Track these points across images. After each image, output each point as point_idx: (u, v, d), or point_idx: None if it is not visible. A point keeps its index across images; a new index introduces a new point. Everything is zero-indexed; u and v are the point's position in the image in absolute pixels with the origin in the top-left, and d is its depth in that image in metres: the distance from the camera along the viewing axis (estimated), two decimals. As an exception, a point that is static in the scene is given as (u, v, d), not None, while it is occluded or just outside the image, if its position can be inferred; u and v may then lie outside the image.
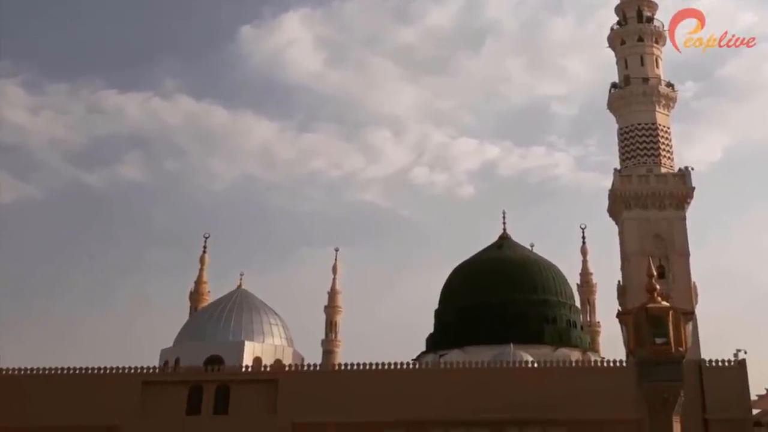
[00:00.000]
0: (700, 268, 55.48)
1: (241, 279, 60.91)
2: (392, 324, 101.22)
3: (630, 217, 55.60)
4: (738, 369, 44.76)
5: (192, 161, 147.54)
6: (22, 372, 46.99)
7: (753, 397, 45.64)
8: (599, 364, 48.97)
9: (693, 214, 56.85)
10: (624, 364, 43.98)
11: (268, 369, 48.78)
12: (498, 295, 58.10)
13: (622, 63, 61.88)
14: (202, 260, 69.36)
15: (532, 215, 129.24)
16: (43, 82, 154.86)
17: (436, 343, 60.15)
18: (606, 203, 59.30)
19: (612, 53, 63.28)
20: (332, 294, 77.44)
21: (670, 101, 60.15)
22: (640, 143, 58.32)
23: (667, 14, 62.34)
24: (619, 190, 56.24)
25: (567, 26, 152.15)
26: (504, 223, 66.91)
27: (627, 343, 13.55)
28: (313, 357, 65.06)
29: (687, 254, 53.96)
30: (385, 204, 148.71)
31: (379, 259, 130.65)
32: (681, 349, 13.16)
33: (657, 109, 59.34)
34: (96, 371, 46.55)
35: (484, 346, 52.45)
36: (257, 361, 51.35)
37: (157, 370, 48.57)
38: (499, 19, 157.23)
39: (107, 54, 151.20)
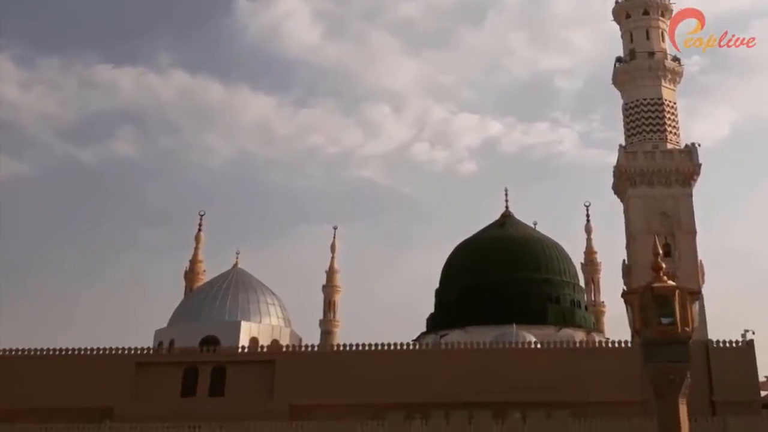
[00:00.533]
0: (706, 246, 54.97)
1: (237, 258, 60.38)
2: (392, 304, 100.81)
3: (635, 195, 54.77)
4: (746, 350, 44.22)
5: (187, 137, 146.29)
6: (14, 353, 46.37)
7: (761, 378, 45.14)
8: (604, 344, 48.36)
9: (699, 191, 56.21)
10: (629, 345, 43.46)
11: (265, 350, 48.01)
12: (500, 274, 57.35)
13: (627, 37, 60.79)
14: (197, 238, 68.53)
15: (535, 192, 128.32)
16: (35, 56, 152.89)
17: (436, 323, 59.54)
18: (611, 180, 58.42)
19: (617, 27, 62.27)
20: (330, 273, 76.59)
21: (676, 76, 59.14)
22: (645, 119, 57.32)
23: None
24: (625, 167, 55.35)
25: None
26: (506, 200, 66.36)
27: (632, 324, 13.23)
28: (311, 338, 64.44)
29: (693, 232, 53.24)
30: (384, 181, 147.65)
31: (379, 238, 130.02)
32: (687, 329, 12.86)
33: (663, 83, 58.36)
34: (89, 352, 45.99)
35: (485, 327, 51.85)
36: (254, 341, 50.63)
37: (151, 351, 48.01)
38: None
39: (100, 28, 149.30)
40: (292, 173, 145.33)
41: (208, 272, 64.95)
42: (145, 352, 46.86)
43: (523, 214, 66.67)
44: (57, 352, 46.06)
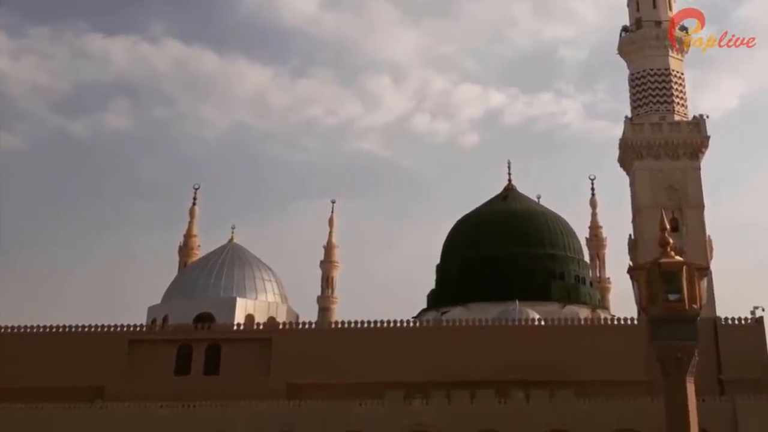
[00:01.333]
0: (714, 220, 53.70)
1: (232, 232, 59.67)
2: (392, 280, 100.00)
3: (642, 168, 53.53)
4: (755, 327, 43.77)
5: (181, 109, 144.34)
6: (2, 330, 45.80)
7: (771, 356, 44.29)
8: (609, 322, 48.00)
9: (707, 164, 54.98)
10: (635, 322, 43.02)
11: (261, 327, 47.48)
12: (503, 250, 56.61)
13: (634, 5, 59.30)
14: (191, 213, 67.63)
15: (539, 165, 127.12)
16: (25, 25, 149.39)
17: (437, 299, 58.87)
18: (616, 153, 57.20)
19: (623, -5, 60.66)
20: (328, 248, 75.62)
21: (683, 46, 57.62)
22: (652, 90, 55.95)
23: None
24: (631, 139, 54.10)
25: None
26: (509, 173, 65.65)
27: (638, 300, 12.78)
28: (309, 315, 63.20)
29: (701, 206, 52.13)
30: (384, 153, 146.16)
31: (378, 212, 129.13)
32: (695, 306, 12.40)
33: (670, 53, 56.92)
34: (80, 330, 45.51)
35: (488, 303, 51.27)
36: (249, 318, 50.05)
37: (144, 329, 47.56)
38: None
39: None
40: (289, 146, 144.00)
41: (202, 247, 64.36)
42: (138, 329, 46.47)
43: (527, 188, 66.18)
44: (47, 330, 45.62)
